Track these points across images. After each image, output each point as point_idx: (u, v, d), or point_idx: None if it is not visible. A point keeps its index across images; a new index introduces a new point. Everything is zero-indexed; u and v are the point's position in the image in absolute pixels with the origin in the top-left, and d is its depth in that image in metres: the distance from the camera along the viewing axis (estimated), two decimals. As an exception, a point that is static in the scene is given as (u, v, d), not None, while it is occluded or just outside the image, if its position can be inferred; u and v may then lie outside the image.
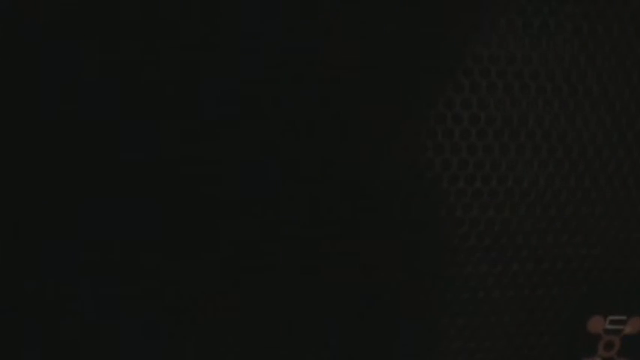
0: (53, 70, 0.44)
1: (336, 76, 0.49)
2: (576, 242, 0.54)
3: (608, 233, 0.54)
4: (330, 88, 0.49)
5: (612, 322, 0.56)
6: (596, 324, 0.56)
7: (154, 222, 0.47)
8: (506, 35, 0.50)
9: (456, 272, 0.52)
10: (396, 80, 0.49)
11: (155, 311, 0.48)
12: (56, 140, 0.45)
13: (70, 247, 0.47)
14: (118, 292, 0.48)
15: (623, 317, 0.57)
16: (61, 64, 0.44)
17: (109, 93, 0.45)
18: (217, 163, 0.47)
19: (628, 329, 0.57)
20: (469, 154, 0.50)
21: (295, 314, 0.51)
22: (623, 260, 0.55)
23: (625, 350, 0.58)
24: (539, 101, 0.51)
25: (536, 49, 0.50)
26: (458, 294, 0.53)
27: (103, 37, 0.44)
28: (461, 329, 0.54)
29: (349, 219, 0.50)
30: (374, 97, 0.49)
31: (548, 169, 0.52)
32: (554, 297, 0.55)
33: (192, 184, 0.47)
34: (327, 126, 0.49)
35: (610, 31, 0.51)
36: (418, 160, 0.49)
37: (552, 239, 0.53)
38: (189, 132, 0.46)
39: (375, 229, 0.50)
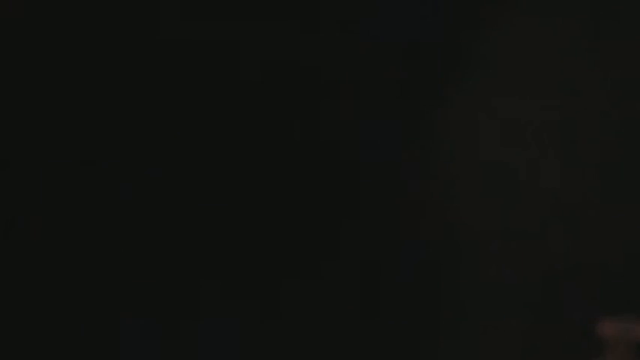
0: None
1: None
2: (587, 246, 0.54)
3: (619, 237, 0.54)
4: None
5: (622, 325, 0.57)
6: (605, 328, 0.57)
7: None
8: (511, 36, 0.51)
9: (465, 275, 0.52)
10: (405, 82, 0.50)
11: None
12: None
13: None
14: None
15: (633, 320, 0.57)
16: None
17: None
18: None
19: (636, 333, 0.57)
20: (476, 157, 0.50)
21: (304, 318, 0.51)
22: (634, 264, 0.56)
23: (633, 354, 0.58)
24: (548, 105, 0.51)
25: (542, 50, 0.51)
26: (467, 296, 0.53)
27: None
28: (470, 331, 0.54)
29: (357, 225, 0.50)
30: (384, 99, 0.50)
31: (555, 172, 0.52)
32: (563, 301, 0.56)
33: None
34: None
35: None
36: (425, 164, 0.50)
37: (563, 243, 0.54)
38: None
39: (382, 232, 0.51)
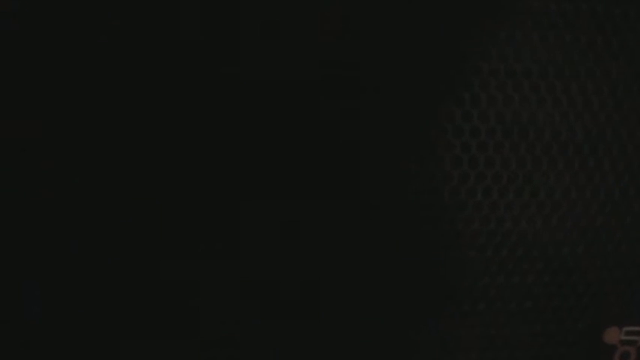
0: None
1: (351, 89, 0.49)
2: (592, 254, 0.54)
3: (624, 245, 0.54)
4: (346, 101, 0.49)
5: (628, 333, 0.57)
6: (612, 335, 0.57)
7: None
8: (521, 48, 0.51)
9: (473, 283, 0.52)
10: (413, 93, 0.50)
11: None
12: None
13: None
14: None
15: (639, 328, 0.57)
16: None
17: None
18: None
19: (643, 340, 0.57)
20: (486, 167, 0.50)
21: (320, 321, 0.51)
22: (639, 271, 0.56)
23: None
24: (556, 114, 0.51)
25: (551, 63, 0.51)
26: (475, 305, 0.53)
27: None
28: (478, 339, 0.54)
29: (369, 233, 0.50)
30: (391, 110, 0.50)
31: (564, 181, 0.52)
32: (570, 308, 0.55)
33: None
34: (342, 140, 0.49)
35: (624, 44, 0.52)
36: (436, 173, 0.50)
37: (568, 251, 0.53)
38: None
39: (395, 242, 0.51)
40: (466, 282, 0.53)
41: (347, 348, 0.53)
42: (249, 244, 0.49)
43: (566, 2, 0.51)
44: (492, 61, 0.50)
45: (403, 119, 0.50)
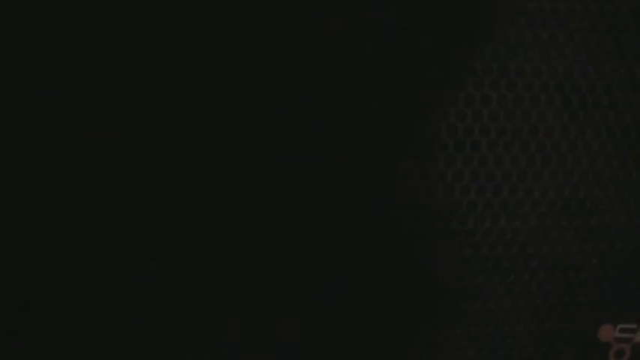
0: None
1: (346, 85, 0.49)
2: (587, 251, 0.54)
3: (618, 242, 0.54)
4: (339, 98, 0.49)
5: (623, 330, 0.57)
6: (607, 332, 0.57)
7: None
8: (515, 47, 0.51)
9: (468, 282, 0.53)
10: (408, 91, 0.50)
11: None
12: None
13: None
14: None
15: (634, 326, 0.57)
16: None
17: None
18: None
19: (638, 338, 0.58)
20: (480, 166, 0.50)
21: (321, 324, 0.51)
22: (634, 269, 0.56)
23: (635, 358, 0.58)
24: (549, 113, 0.51)
25: (545, 61, 0.51)
26: (470, 304, 0.53)
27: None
28: (473, 339, 0.54)
29: (362, 231, 0.51)
30: (385, 108, 0.50)
31: (557, 179, 0.52)
32: (565, 306, 0.55)
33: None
34: (338, 138, 0.49)
35: (618, 42, 0.52)
36: (430, 172, 0.50)
37: (563, 248, 0.54)
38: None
39: (388, 241, 0.51)
40: (462, 280, 0.53)
41: (342, 348, 0.53)
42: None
43: (560, 1, 0.51)
44: (486, 60, 0.50)
45: (398, 118, 0.50)
